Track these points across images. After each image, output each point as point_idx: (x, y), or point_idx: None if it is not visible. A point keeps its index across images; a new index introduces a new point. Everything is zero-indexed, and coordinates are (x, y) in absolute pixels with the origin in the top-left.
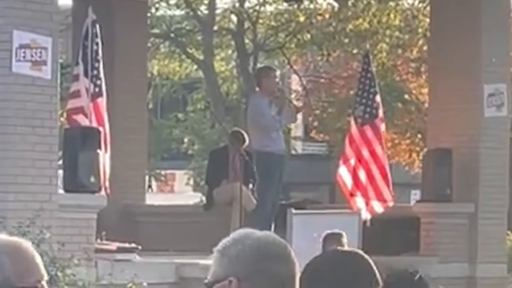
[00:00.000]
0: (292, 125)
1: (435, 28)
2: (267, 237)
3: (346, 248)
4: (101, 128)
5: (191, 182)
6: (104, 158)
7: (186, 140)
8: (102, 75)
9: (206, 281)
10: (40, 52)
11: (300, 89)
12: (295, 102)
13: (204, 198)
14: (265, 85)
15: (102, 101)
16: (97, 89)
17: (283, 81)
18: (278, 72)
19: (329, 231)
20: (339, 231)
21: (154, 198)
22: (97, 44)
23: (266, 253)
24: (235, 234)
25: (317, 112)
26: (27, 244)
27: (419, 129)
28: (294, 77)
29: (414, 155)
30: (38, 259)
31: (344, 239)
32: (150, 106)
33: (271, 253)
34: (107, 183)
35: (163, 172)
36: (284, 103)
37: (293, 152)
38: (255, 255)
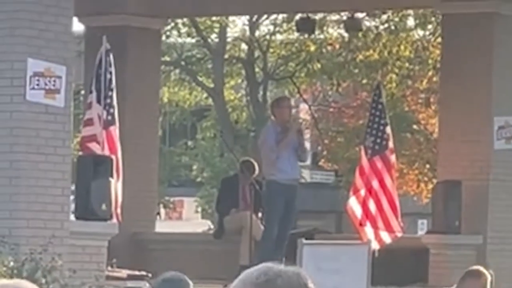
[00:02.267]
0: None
1: (446, 60)
2: (300, 271)
3: None
4: (113, 156)
5: (200, 209)
6: (116, 186)
7: (195, 167)
8: (115, 103)
9: None
10: (54, 81)
11: (309, 118)
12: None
13: (212, 226)
14: (277, 115)
15: (115, 129)
16: (109, 117)
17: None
18: (291, 101)
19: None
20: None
21: (162, 225)
22: (110, 73)
23: (305, 284)
24: (266, 268)
25: (326, 141)
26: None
27: (428, 159)
28: (304, 106)
29: (422, 185)
30: None
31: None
32: (160, 133)
33: (308, 285)
34: (118, 211)
35: (171, 199)
36: (289, 132)
37: (301, 180)
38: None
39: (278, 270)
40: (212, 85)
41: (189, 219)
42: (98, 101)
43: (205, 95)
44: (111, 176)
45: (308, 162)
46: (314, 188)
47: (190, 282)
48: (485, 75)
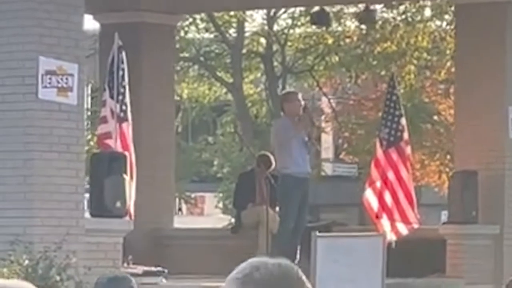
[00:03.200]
0: (323, 147)
1: (461, 51)
2: (284, 262)
3: None
4: (126, 153)
5: (220, 204)
6: (130, 184)
7: (215, 163)
8: (127, 100)
9: None
10: (66, 79)
11: (329, 111)
12: (324, 124)
13: (232, 221)
14: (287, 110)
15: (128, 126)
16: (122, 114)
17: (313, 103)
18: (300, 95)
19: None
20: None
21: (183, 221)
22: (123, 70)
23: (288, 276)
24: (249, 263)
25: (347, 134)
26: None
27: (448, 150)
28: (324, 99)
29: (444, 176)
30: None
31: None
32: (180, 129)
33: (292, 277)
34: (131, 209)
35: (193, 195)
36: (306, 122)
37: (323, 173)
38: (279, 278)
39: (257, 264)
40: (231, 80)
41: (210, 214)
42: (111, 97)
43: (224, 90)
44: (125, 173)
45: (330, 155)
46: (337, 181)
47: (133, 280)
48: (499, 65)
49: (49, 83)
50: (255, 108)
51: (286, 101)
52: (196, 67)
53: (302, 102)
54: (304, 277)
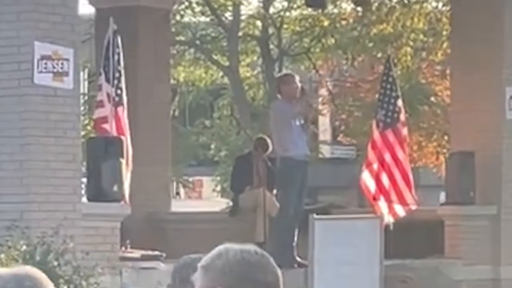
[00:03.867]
0: (320, 130)
1: (456, 31)
2: (248, 248)
3: None
4: (122, 137)
5: (218, 188)
6: (126, 168)
7: (213, 146)
8: (122, 85)
9: None
10: (62, 63)
11: (326, 93)
12: (321, 106)
13: (230, 204)
14: (284, 92)
15: (123, 110)
16: (117, 98)
17: (310, 85)
18: (297, 78)
19: None
20: None
21: (181, 205)
22: (118, 54)
23: (249, 263)
24: (215, 250)
25: (344, 116)
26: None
27: (446, 131)
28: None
29: (441, 157)
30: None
31: None
32: (177, 113)
33: (253, 263)
34: (126, 194)
35: (190, 179)
36: (303, 105)
37: (321, 156)
38: (239, 265)
39: (221, 251)
40: (227, 64)
41: (208, 198)
42: (107, 80)
43: (221, 73)
44: (122, 157)
45: (328, 137)
46: (335, 164)
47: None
48: (496, 45)
49: (45, 68)
50: (252, 91)
51: (283, 83)
52: (192, 50)
53: (299, 85)
54: (272, 263)
